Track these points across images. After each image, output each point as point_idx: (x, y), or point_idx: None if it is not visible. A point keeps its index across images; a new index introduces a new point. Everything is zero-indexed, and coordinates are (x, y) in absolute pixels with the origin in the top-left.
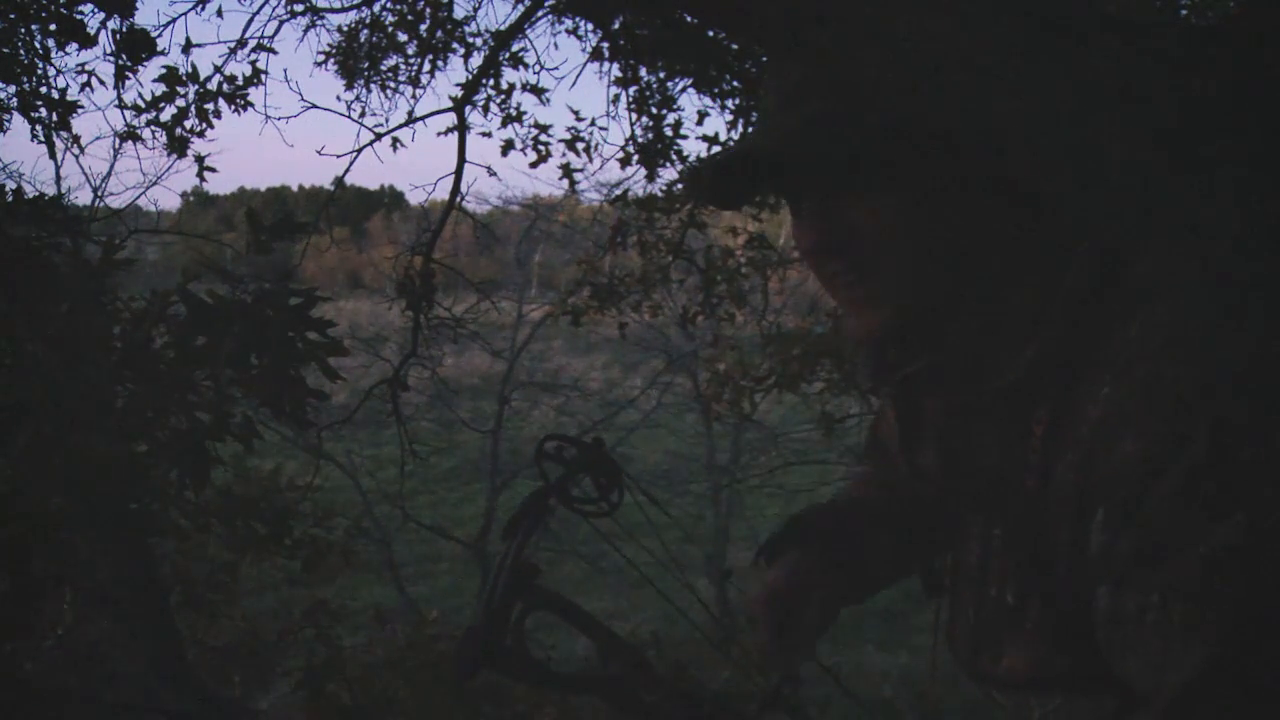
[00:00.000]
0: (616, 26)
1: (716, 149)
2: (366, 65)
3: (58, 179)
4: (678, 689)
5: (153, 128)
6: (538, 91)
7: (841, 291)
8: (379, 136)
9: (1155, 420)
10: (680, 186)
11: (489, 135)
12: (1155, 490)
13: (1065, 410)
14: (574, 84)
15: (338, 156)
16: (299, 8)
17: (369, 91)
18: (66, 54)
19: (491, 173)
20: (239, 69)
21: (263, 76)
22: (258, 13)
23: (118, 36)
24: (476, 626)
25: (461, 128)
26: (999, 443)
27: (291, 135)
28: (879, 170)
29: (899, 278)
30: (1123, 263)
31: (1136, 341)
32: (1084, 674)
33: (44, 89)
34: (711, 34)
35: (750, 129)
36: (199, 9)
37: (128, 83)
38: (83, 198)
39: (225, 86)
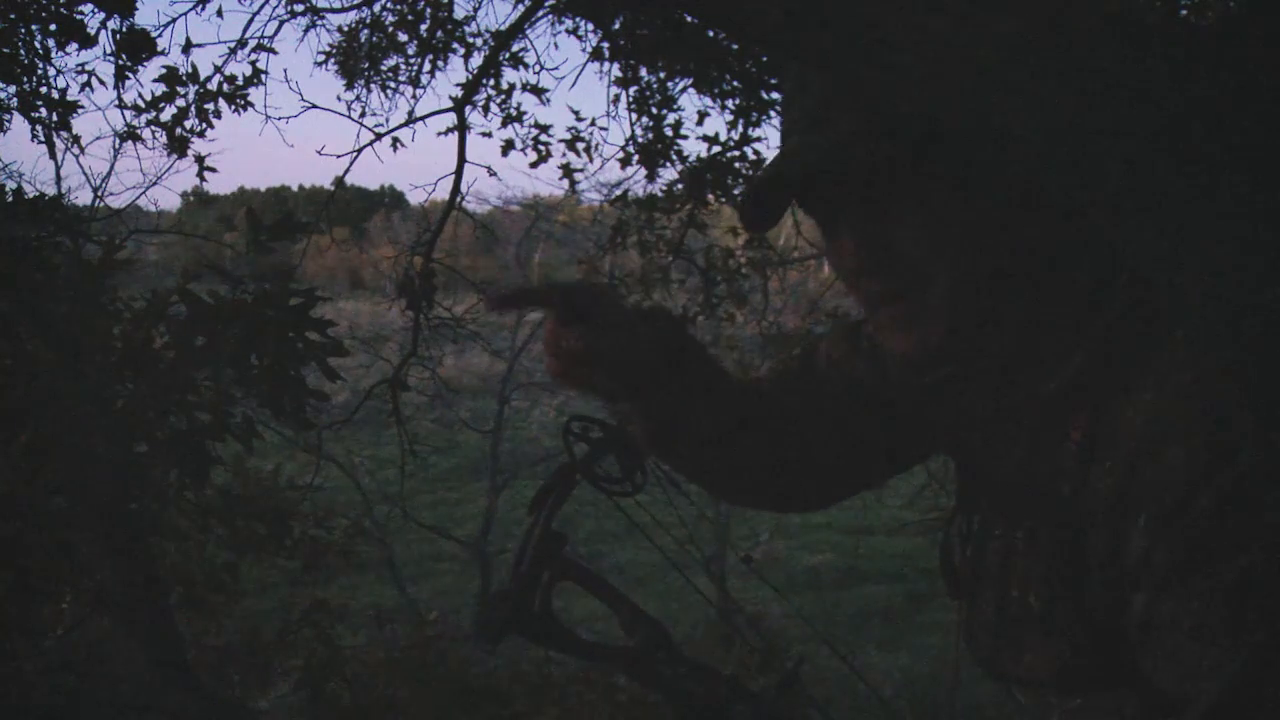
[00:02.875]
0: (616, 26)
1: (717, 149)
2: (366, 65)
3: (58, 179)
4: (698, 666)
5: (153, 128)
6: (538, 91)
7: (881, 311)
8: (379, 136)
9: (1201, 429)
10: (680, 187)
11: (489, 135)
12: (1200, 498)
13: (1105, 417)
14: (574, 84)
15: (338, 156)
16: (299, 8)
17: (369, 91)
18: (66, 54)
19: (491, 173)
20: (239, 69)
21: (263, 76)
22: (258, 13)
23: (118, 36)
24: (504, 590)
25: (461, 128)
26: (1032, 447)
27: (291, 135)
28: (916, 187)
29: (942, 296)
30: (1133, 262)
31: (1181, 350)
32: (1107, 674)
33: (44, 89)
34: (711, 34)
35: (777, 149)
36: (199, 9)
37: (128, 83)
38: (83, 198)
39: (225, 86)
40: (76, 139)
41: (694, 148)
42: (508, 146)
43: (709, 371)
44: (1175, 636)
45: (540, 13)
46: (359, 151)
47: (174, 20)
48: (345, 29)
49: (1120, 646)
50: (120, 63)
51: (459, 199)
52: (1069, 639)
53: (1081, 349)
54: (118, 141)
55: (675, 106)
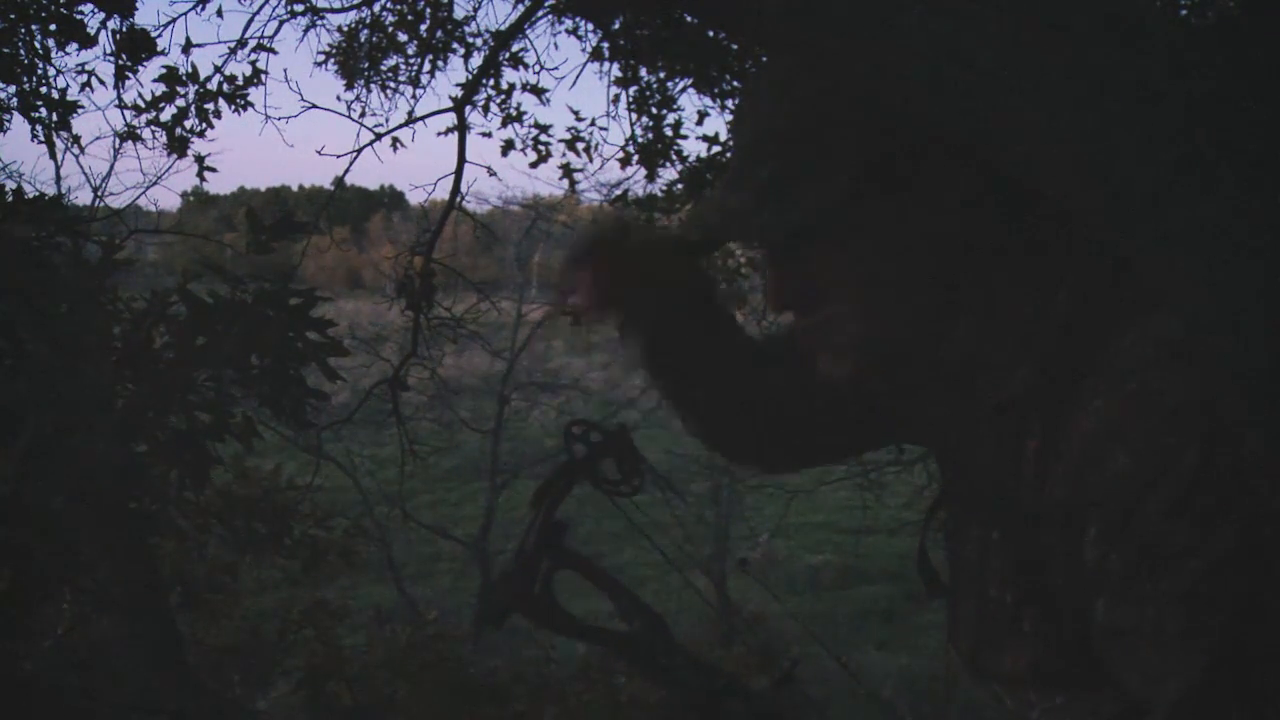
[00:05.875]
0: (616, 26)
1: (716, 149)
2: (366, 65)
3: (58, 179)
4: (695, 660)
5: (153, 128)
6: (538, 91)
7: (808, 339)
8: (379, 136)
9: (1146, 433)
10: (680, 187)
11: (489, 135)
12: (1147, 503)
13: (1058, 424)
14: (574, 84)
15: (338, 156)
16: (299, 8)
17: (369, 91)
18: (66, 54)
19: (491, 173)
20: (239, 69)
21: (263, 76)
22: (258, 13)
23: (118, 36)
24: (507, 574)
25: (461, 128)
26: (993, 453)
27: (291, 135)
28: (835, 223)
29: (861, 326)
30: (1122, 270)
31: (1129, 354)
32: (1083, 674)
33: (44, 89)
34: (711, 34)
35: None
36: (199, 9)
37: (128, 83)
38: (83, 198)
39: (225, 86)
40: (76, 139)
41: (694, 148)
42: (508, 146)
43: (721, 319)
44: (1136, 642)
45: (540, 13)
46: (359, 151)
47: (174, 20)
48: (345, 29)
49: (1087, 646)
50: (120, 63)
51: (459, 199)
52: (1042, 640)
53: (1028, 361)
54: (118, 141)
55: (675, 106)
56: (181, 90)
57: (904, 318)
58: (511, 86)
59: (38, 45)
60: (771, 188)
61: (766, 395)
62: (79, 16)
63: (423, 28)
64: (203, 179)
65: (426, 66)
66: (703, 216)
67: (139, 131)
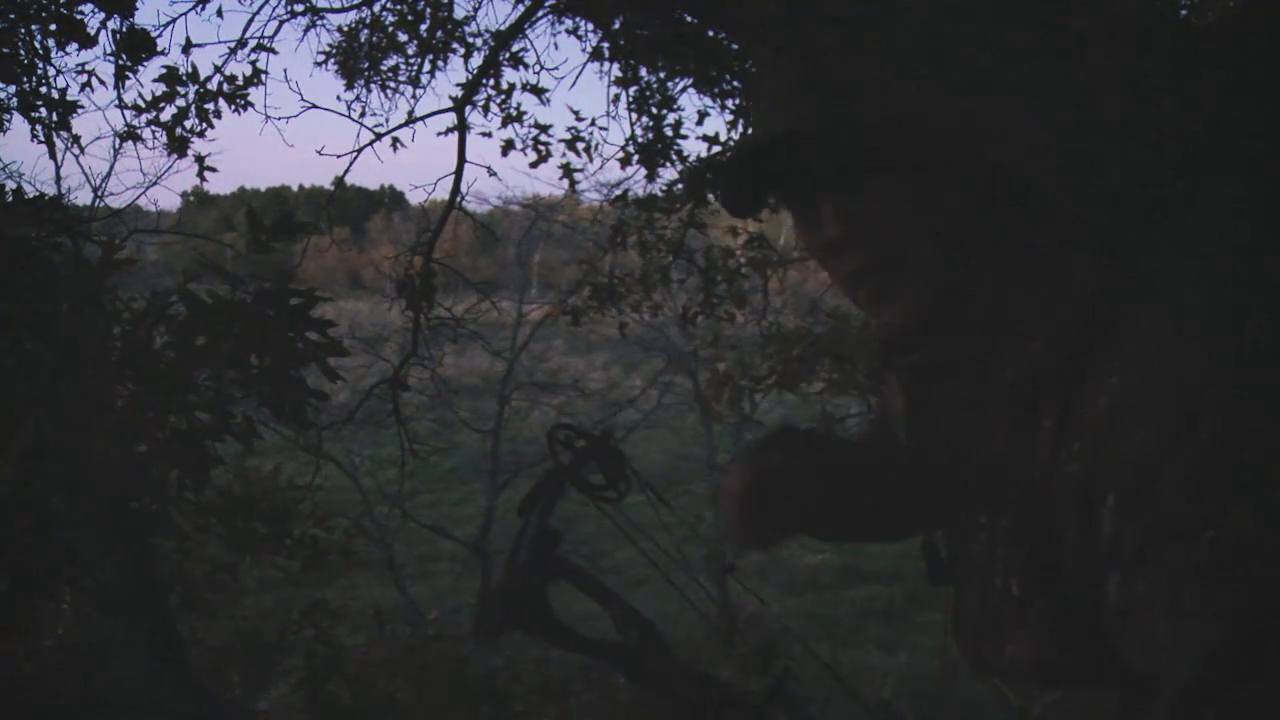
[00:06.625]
0: (616, 26)
1: (717, 149)
2: (366, 65)
3: (58, 179)
4: (690, 668)
5: (153, 128)
6: (538, 91)
7: (864, 287)
8: (379, 136)
9: (1164, 407)
10: (680, 187)
11: (489, 135)
12: (1165, 476)
13: (1073, 402)
14: (574, 84)
15: (338, 156)
16: (299, 8)
17: (369, 91)
18: (66, 54)
19: (491, 173)
20: (239, 69)
21: (263, 76)
22: (258, 13)
23: (118, 36)
24: (501, 587)
25: (461, 128)
26: (1006, 435)
27: (291, 135)
28: (898, 158)
29: (925, 266)
30: (1128, 259)
31: (1146, 332)
32: (1088, 666)
33: (44, 89)
34: (711, 34)
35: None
36: (199, 9)
37: (128, 83)
38: (83, 198)
39: (225, 86)
40: (76, 139)
41: (694, 148)
42: (508, 146)
43: (848, 464)
44: (1149, 617)
45: (540, 13)
46: (359, 151)
47: (174, 20)
48: (345, 29)
49: (1098, 638)
50: (120, 63)
51: (459, 199)
52: (1049, 630)
53: (1042, 338)
54: (118, 141)
55: (675, 106)
56: (181, 90)
57: (956, 271)
58: (511, 86)
59: (38, 45)
60: (832, 99)
61: (905, 477)
62: (79, 16)
63: (423, 28)
64: (203, 179)
65: (426, 66)
66: (770, 116)
67: (139, 131)
